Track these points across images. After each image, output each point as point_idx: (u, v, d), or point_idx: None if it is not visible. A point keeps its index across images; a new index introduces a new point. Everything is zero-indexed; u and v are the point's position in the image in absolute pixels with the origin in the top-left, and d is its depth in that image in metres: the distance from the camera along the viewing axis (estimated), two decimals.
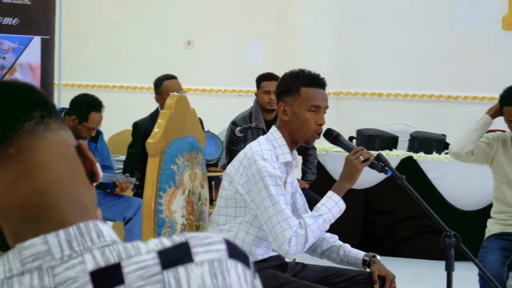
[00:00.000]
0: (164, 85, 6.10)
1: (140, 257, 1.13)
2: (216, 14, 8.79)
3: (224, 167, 5.95)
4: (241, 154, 3.39)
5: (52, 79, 7.16)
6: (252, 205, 3.31)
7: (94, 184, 1.29)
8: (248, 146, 3.40)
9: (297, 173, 6.42)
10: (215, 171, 6.13)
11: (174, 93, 6.01)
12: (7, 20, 6.76)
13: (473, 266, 3.34)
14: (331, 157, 6.92)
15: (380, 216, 7.05)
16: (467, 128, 4.62)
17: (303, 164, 6.44)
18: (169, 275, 1.12)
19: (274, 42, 8.44)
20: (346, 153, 3.44)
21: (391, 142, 7.19)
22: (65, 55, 7.44)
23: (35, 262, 1.11)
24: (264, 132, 5.45)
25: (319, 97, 3.40)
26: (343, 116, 8.29)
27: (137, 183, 5.53)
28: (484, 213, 5.06)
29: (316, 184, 6.47)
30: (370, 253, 3.59)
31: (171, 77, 6.21)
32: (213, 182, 5.86)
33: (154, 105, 6.15)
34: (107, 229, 1.18)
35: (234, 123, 6.09)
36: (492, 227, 4.60)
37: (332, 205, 3.31)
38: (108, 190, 5.73)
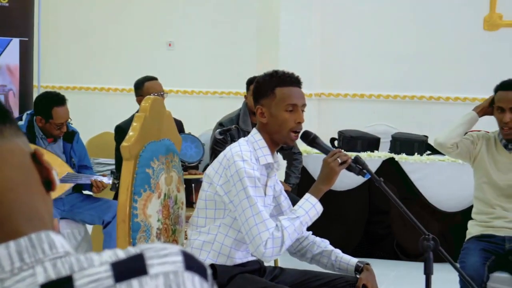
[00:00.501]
0: (145, 87, 6.06)
1: (93, 269, 1.09)
2: (197, 15, 8.75)
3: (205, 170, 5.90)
4: (221, 155, 3.36)
5: (31, 81, 7.11)
6: (230, 206, 3.28)
7: (51, 191, 1.24)
8: (228, 148, 3.37)
9: (280, 176, 6.40)
10: (196, 174, 6.08)
11: (154, 94, 6.00)
12: None
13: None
14: (313, 159, 6.88)
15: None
16: (454, 121, 4.65)
17: (288, 168, 6.42)
18: None
19: (255, 43, 8.40)
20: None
21: (372, 143, 7.16)
22: (44, 57, 7.39)
23: None
24: None
25: (295, 96, 3.36)
26: (324, 118, 8.27)
27: (116, 181, 5.43)
28: (466, 214, 5.06)
29: (298, 186, 6.44)
30: (363, 260, 3.56)
31: (152, 79, 6.17)
32: (193, 185, 5.82)
33: (135, 107, 6.10)
34: (60, 240, 1.13)
35: (220, 124, 6.07)
36: (473, 229, 4.59)
37: (309, 207, 3.27)
38: (85, 191, 5.65)
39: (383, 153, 6.95)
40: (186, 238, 3.70)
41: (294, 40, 8.19)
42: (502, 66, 7.19)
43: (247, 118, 6.05)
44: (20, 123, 5.42)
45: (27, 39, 6.97)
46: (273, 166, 3.40)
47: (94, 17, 9.08)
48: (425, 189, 6.75)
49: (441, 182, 6.69)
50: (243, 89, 6.42)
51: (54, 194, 5.13)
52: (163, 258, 1.11)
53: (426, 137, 7.05)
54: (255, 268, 3.44)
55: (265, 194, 3.34)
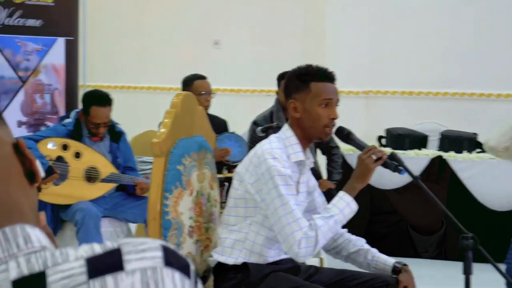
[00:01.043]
0: (194, 85, 6.03)
1: (67, 264, 1.03)
2: (243, 13, 8.70)
3: None
4: (251, 153, 3.30)
5: (77, 80, 7.15)
6: (262, 205, 3.20)
7: (36, 184, 1.18)
8: (258, 145, 3.30)
9: (322, 173, 6.32)
10: None
11: (203, 93, 5.97)
12: (31, 22, 6.75)
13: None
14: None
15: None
16: (506, 123, 4.49)
17: (328, 164, 6.30)
18: (95, 285, 1.01)
19: (301, 41, 8.32)
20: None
21: (420, 141, 7.03)
22: (90, 56, 7.40)
23: None
24: None
25: (330, 91, 3.29)
26: (373, 115, 8.16)
27: None
28: None
29: (343, 184, 6.34)
30: (401, 261, 3.46)
31: (201, 77, 6.15)
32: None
33: None
34: (37, 234, 1.08)
35: (255, 123, 6.01)
36: None
37: (344, 205, 3.19)
38: (130, 192, 5.65)
39: (431, 151, 6.81)
40: None
41: (341, 37, 8.10)
42: None
43: (281, 114, 5.99)
44: (68, 120, 5.43)
45: (72, 38, 7.01)
46: (304, 163, 3.33)
47: (140, 15, 9.08)
48: (475, 187, 6.60)
49: (491, 180, 6.54)
50: None
51: (97, 193, 5.17)
52: (141, 253, 1.05)
53: (476, 134, 6.91)
54: (289, 266, 3.36)
55: (297, 191, 3.27)
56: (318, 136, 3.32)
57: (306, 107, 3.26)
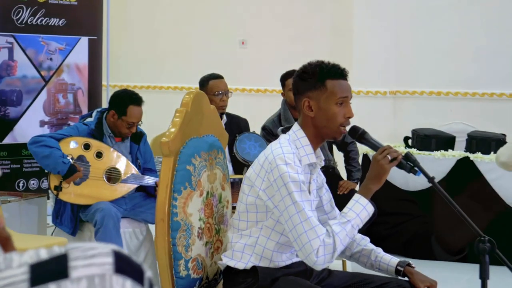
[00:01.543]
0: (209, 85, 5.97)
1: (9, 271, 0.96)
2: (270, 13, 8.64)
3: None
4: (261, 157, 3.18)
5: (100, 80, 7.12)
6: (275, 211, 3.11)
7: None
8: (269, 148, 3.19)
9: (342, 173, 6.21)
10: None
11: (219, 93, 5.91)
12: (54, 21, 6.73)
13: None
14: None
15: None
16: None
17: (346, 162, 6.18)
18: None
19: (328, 41, 8.24)
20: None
21: (447, 142, 6.91)
22: (114, 55, 7.37)
23: None
24: None
25: (346, 89, 3.19)
26: (400, 116, 8.06)
27: None
28: None
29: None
30: (404, 260, 3.36)
31: (218, 77, 6.06)
32: None
33: None
34: None
35: (264, 128, 5.96)
36: None
37: (360, 209, 3.08)
38: (150, 193, 5.61)
39: (457, 152, 6.68)
40: None
41: (368, 37, 8.01)
42: None
43: (289, 114, 5.91)
44: (90, 119, 5.39)
45: (95, 37, 6.98)
46: (316, 165, 3.24)
47: (164, 15, 9.05)
48: (502, 189, 6.46)
49: None
50: None
51: (117, 194, 5.11)
52: (89, 259, 0.98)
53: (504, 135, 6.78)
54: (301, 269, 3.27)
55: (309, 191, 3.18)
56: (333, 136, 3.23)
57: (322, 105, 3.17)
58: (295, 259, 3.28)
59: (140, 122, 5.40)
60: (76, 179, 5.13)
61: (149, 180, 5.39)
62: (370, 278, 3.31)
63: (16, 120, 6.56)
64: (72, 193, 5.16)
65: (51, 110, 6.76)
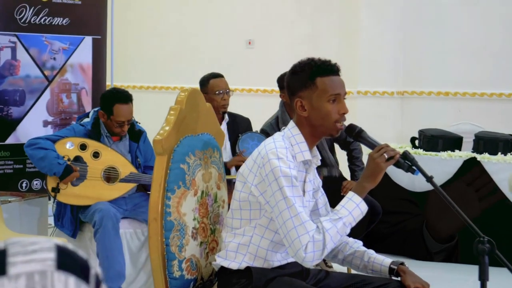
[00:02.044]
0: (210, 84, 5.93)
1: None
2: (277, 13, 8.58)
3: None
4: (255, 153, 3.12)
5: (104, 80, 7.06)
6: (267, 207, 3.05)
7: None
8: (262, 144, 3.13)
9: (345, 172, 6.14)
10: None
11: (219, 92, 5.86)
12: (57, 20, 6.68)
13: None
14: None
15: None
16: None
17: (349, 161, 6.08)
18: None
19: (335, 41, 8.17)
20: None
21: (454, 142, 6.82)
22: (118, 55, 7.32)
23: None
24: None
25: (338, 85, 3.12)
26: (407, 116, 8.00)
27: None
28: None
29: None
30: (397, 260, 3.29)
31: (218, 76, 6.02)
32: None
33: None
34: None
35: (262, 132, 5.90)
36: None
37: (353, 207, 3.02)
38: (149, 192, 5.55)
39: (464, 153, 6.60)
40: None
41: (375, 37, 7.95)
42: None
43: (286, 116, 5.84)
44: (87, 120, 5.35)
45: (100, 37, 6.93)
46: (311, 162, 3.17)
47: (169, 14, 9.00)
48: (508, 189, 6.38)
49: None
50: None
51: (116, 194, 5.06)
52: (30, 255, 0.91)
53: None
54: (296, 270, 3.21)
55: (304, 191, 3.11)
56: (329, 133, 3.16)
57: (314, 104, 3.10)
58: (291, 259, 3.22)
59: (133, 120, 5.33)
60: (73, 179, 5.09)
61: (148, 178, 5.33)
62: (369, 279, 3.24)
63: (19, 120, 6.51)
64: (70, 195, 5.12)
65: (55, 110, 6.71)
